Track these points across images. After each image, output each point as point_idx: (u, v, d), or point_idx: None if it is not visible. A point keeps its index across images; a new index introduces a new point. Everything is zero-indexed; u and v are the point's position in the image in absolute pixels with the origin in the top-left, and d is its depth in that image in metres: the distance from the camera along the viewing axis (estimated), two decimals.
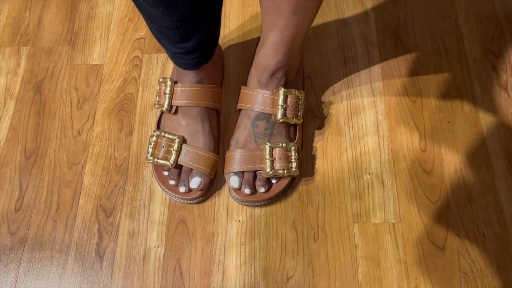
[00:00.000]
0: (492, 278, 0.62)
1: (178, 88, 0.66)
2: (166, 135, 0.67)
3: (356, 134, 0.73)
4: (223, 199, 0.69)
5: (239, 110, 0.70)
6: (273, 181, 0.66)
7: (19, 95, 0.80)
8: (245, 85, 0.69)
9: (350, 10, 0.83)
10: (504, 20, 0.80)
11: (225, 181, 0.69)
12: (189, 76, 0.65)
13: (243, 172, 0.66)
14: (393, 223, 0.66)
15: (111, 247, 0.67)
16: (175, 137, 0.66)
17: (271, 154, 0.64)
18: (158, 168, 0.69)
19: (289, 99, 0.65)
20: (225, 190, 0.70)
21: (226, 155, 0.67)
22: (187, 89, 0.65)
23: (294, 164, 0.65)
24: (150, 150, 0.67)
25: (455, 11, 0.81)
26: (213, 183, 0.70)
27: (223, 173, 0.68)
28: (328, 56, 0.79)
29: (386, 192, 0.68)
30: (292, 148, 0.65)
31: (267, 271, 0.64)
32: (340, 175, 0.70)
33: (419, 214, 0.66)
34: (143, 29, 0.84)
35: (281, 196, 0.68)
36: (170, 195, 0.68)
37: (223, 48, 0.81)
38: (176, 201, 0.69)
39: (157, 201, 0.70)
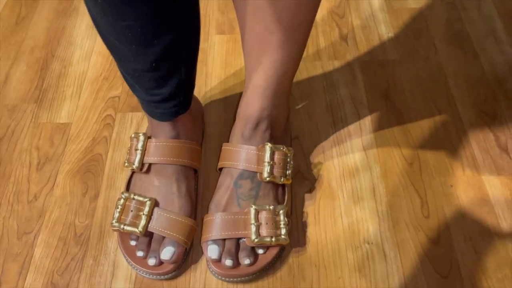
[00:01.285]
0: None
1: (152, 143, 0.59)
2: (136, 197, 0.58)
3: (350, 199, 0.65)
4: (199, 274, 0.59)
5: (220, 169, 0.62)
6: (259, 251, 0.57)
7: None
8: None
9: (337, 72, 0.80)
10: (495, 83, 0.78)
11: (202, 252, 0.59)
12: (165, 130, 0.58)
13: (224, 240, 0.56)
14: None
15: None
16: (146, 199, 0.57)
17: (256, 219, 0.55)
18: (124, 236, 0.59)
19: (276, 156, 0.58)
20: (202, 263, 0.59)
21: (204, 220, 0.58)
22: (162, 145, 0.58)
23: (283, 231, 0.56)
24: (117, 214, 0.58)
25: (444, 75, 0.79)
26: (189, 255, 0.60)
27: (200, 241, 0.58)
28: (316, 116, 0.74)
29: (389, 265, 0.59)
30: (281, 211, 0.57)
31: None
32: (335, 245, 0.61)
33: None
34: (118, 88, 0.79)
35: (268, 270, 0.58)
36: (137, 269, 0.57)
37: (204, 105, 0.75)
38: (144, 276, 0.58)
39: (121, 277, 0.59)
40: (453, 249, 0.60)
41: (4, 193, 0.67)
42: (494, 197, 0.64)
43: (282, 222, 0.56)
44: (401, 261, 0.59)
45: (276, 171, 0.57)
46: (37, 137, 0.73)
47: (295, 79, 0.78)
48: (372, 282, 0.58)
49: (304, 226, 0.63)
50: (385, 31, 0.86)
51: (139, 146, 0.59)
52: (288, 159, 0.59)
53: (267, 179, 0.57)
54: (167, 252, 0.56)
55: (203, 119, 0.71)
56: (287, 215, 0.58)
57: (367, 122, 0.73)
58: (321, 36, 0.86)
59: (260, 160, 0.57)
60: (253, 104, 0.57)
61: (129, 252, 0.58)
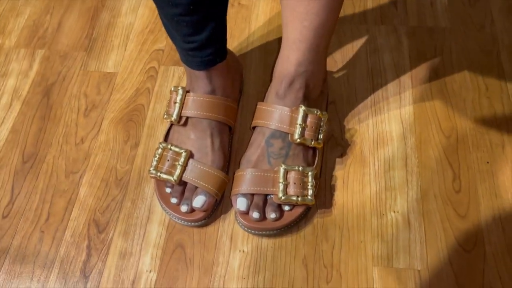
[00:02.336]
0: None
1: (190, 97, 0.61)
2: (173, 148, 0.61)
3: (381, 167, 0.65)
4: (227, 225, 0.62)
5: (254, 128, 0.64)
6: (286, 208, 0.59)
7: (27, 97, 0.76)
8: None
9: (382, 37, 0.78)
10: None
11: (232, 205, 0.62)
12: (202, 84, 0.60)
13: (252, 194, 0.59)
14: (418, 270, 0.57)
15: (98, 267, 0.60)
16: (182, 151, 0.60)
17: (285, 178, 0.57)
18: (160, 183, 0.63)
19: (309, 119, 0.59)
20: (231, 216, 0.63)
21: (235, 174, 0.61)
22: (199, 99, 0.60)
23: (310, 192, 0.58)
24: (154, 163, 0.61)
25: (497, 47, 0.75)
26: (219, 206, 0.63)
27: (230, 194, 0.61)
28: (355, 82, 0.74)
29: (413, 234, 0.60)
30: (310, 173, 0.58)
31: None
32: (361, 210, 0.62)
33: (449, 263, 0.57)
34: (163, 41, 0.81)
35: (292, 227, 0.61)
36: (170, 214, 0.62)
37: (244, 63, 0.76)
38: (176, 222, 0.62)
39: (156, 221, 0.63)
40: (480, 225, 0.60)
41: (54, 134, 0.72)
42: None
43: (310, 184, 0.58)
44: (425, 231, 0.60)
45: (308, 134, 0.58)
46: (85, 84, 0.77)
47: (337, 43, 0.77)
48: (393, 248, 0.59)
49: (332, 189, 0.64)
50: None
51: (178, 99, 0.61)
52: (322, 123, 0.60)
53: (298, 140, 0.58)
54: (199, 201, 0.59)
55: (241, 78, 0.72)
56: (315, 177, 0.59)
57: (408, 91, 0.72)
58: None
59: (292, 122, 0.58)
60: (288, 60, 0.57)
61: (164, 198, 0.62)
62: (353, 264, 0.58)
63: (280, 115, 0.59)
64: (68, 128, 0.72)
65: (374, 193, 0.63)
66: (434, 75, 0.73)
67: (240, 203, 0.58)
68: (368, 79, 0.74)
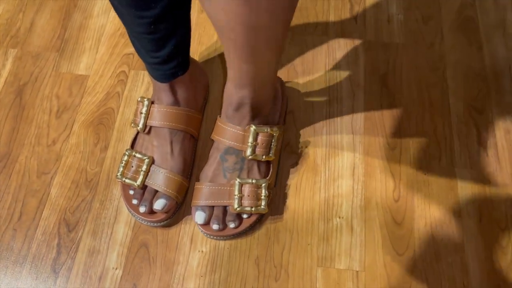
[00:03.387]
0: None
1: (155, 108, 0.66)
2: (137, 154, 0.66)
3: (331, 175, 0.72)
4: (188, 227, 0.68)
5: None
6: (244, 216, 0.65)
7: (0, 96, 0.79)
8: None
9: (341, 50, 0.84)
10: (492, 78, 0.80)
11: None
12: (165, 95, 0.65)
13: (212, 206, 0.65)
14: (357, 271, 0.65)
15: (68, 264, 0.65)
16: (145, 158, 0.66)
17: (240, 190, 0.63)
18: (125, 186, 0.68)
19: (260, 137, 0.64)
20: (192, 218, 0.68)
21: (195, 186, 0.66)
22: (162, 110, 0.65)
23: (263, 202, 0.64)
24: (121, 169, 0.66)
25: (444, 64, 0.82)
26: (181, 208, 0.69)
27: (191, 205, 0.67)
28: (313, 94, 0.79)
29: (354, 238, 0.67)
30: (263, 185, 0.64)
31: None
32: (310, 215, 0.69)
33: (384, 265, 0.65)
34: None
35: (248, 230, 0.67)
36: (134, 215, 0.67)
37: (211, 70, 0.81)
38: (141, 223, 0.68)
39: (122, 221, 0.68)
40: (413, 232, 0.67)
41: (27, 135, 0.75)
42: (462, 190, 0.70)
43: (263, 195, 0.64)
44: (365, 236, 0.67)
45: (259, 151, 0.64)
46: (57, 86, 0.80)
47: (299, 53, 0.83)
48: (336, 251, 0.66)
49: (285, 195, 0.70)
50: (395, 11, 0.88)
51: (144, 110, 0.66)
52: (273, 139, 0.65)
53: (250, 157, 0.64)
54: (160, 203, 0.65)
55: (206, 86, 0.77)
56: (269, 187, 0.65)
57: (360, 104, 0.78)
58: (332, 11, 0.88)
59: (244, 140, 0.63)
60: (231, 92, 0.61)
61: (128, 200, 0.67)
62: (299, 265, 0.65)
63: (233, 133, 0.64)
64: (40, 129, 0.76)
65: (323, 199, 0.70)
66: (386, 89, 0.80)
67: (198, 217, 0.64)
68: (325, 91, 0.80)
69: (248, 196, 0.63)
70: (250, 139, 0.63)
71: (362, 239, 0.67)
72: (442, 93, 0.79)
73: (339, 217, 0.69)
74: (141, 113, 0.66)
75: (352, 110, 0.78)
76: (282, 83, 0.74)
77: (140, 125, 0.66)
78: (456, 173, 0.72)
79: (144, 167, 0.65)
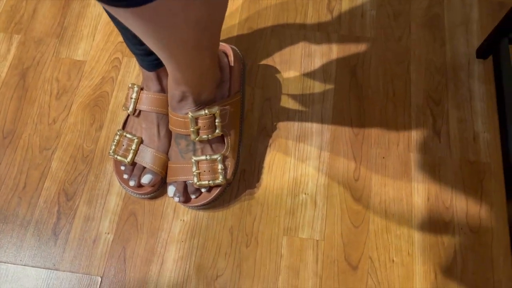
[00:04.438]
0: None
1: (143, 94, 0.74)
2: (128, 135, 0.75)
3: (300, 157, 0.81)
4: (172, 199, 0.77)
5: None
6: (202, 190, 0.74)
7: (5, 79, 0.87)
8: None
9: (316, 42, 0.92)
10: (451, 72, 0.89)
11: None
12: (153, 83, 0.73)
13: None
14: (317, 240, 0.74)
15: (66, 228, 0.75)
16: (135, 138, 0.75)
17: (197, 167, 0.72)
18: (117, 163, 0.77)
19: (199, 120, 0.69)
20: None
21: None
22: (150, 96, 0.74)
23: (221, 176, 0.72)
24: (113, 147, 0.75)
25: (409, 58, 0.90)
26: (165, 183, 0.78)
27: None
28: (289, 83, 0.88)
29: (317, 212, 0.77)
30: (218, 159, 0.72)
31: (200, 267, 0.73)
32: (279, 191, 0.78)
33: (341, 235, 0.75)
34: None
35: (224, 203, 0.77)
36: (125, 188, 0.76)
37: None
38: (130, 194, 0.77)
39: (114, 193, 0.78)
40: (369, 207, 0.77)
41: (30, 114, 0.84)
42: (415, 172, 0.80)
43: (219, 168, 0.72)
44: (326, 210, 0.77)
45: (202, 132, 0.70)
46: (57, 70, 0.88)
47: (278, 45, 0.91)
48: (300, 223, 0.76)
49: (259, 173, 0.80)
50: (369, 7, 0.95)
51: (133, 95, 0.74)
52: (216, 117, 0.70)
53: (196, 139, 0.71)
54: (147, 178, 0.74)
55: None
56: (227, 159, 0.72)
57: (330, 93, 0.87)
58: (310, 6, 0.95)
59: (187, 126, 0.70)
60: (173, 87, 0.66)
61: (119, 175, 0.76)
62: (268, 234, 0.75)
63: (176, 121, 0.70)
64: (42, 109, 0.85)
65: (291, 178, 0.79)
66: (354, 80, 0.88)
67: (169, 191, 0.74)
68: (299, 81, 0.88)
69: (204, 171, 0.71)
70: (191, 126, 0.69)
71: (324, 213, 0.76)
72: (405, 84, 0.87)
73: (305, 194, 0.78)
74: (131, 98, 0.75)
75: (323, 99, 0.86)
76: (230, 53, 0.78)
77: (130, 109, 0.75)
78: (411, 157, 0.81)
79: (133, 146, 0.74)
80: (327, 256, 0.73)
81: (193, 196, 0.74)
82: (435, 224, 0.76)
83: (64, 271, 0.72)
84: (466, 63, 0.89)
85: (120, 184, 0.77)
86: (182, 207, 0.77)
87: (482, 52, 0.89)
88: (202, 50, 0.57)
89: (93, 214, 0.76)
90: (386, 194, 0.78)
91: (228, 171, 0.73)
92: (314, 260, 0.73)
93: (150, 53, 0.69)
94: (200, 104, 0.69)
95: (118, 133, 0.76)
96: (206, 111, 0.69)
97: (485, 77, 0.88)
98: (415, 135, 0.83)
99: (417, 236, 0.75)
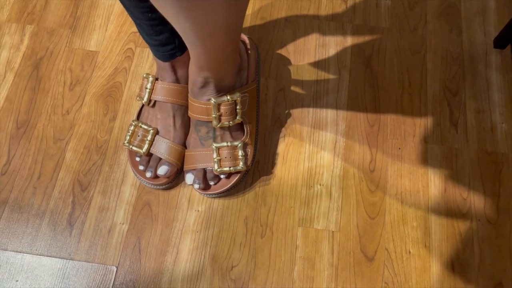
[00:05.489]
0: None
1: (158, 85, 0.74)
2: (143, 125, 0.75)
3: (315, 148, 0.80)
4: (187, 189, 0.77)
5: None
6: (222, 176, 0.74)
7: (19, 69, 0.87)
8: None
9: (331, 32, 0.91)
10: (468, 62, 0.87)
11: None
12: (168, 74, 0.73)
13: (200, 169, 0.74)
14: (332, 231, 0.74)
15: (81, 218, 0.75)
16: (150, 129, 0.74)
17: (218, 154, 0.72)
18: (132, 153, 0.77)
19: (222, 107, 0.69)
20: None
21: (185, 153, 0.75)
22: (165, 87, 0.73)
23: (241, 162, 0.72)
24: (128, 137, 0.75)
25: (425, 48, 0.89)
26: (180, 173, 0.78)
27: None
28: (303, 72, 0.87)
29: (332, 203, 0.76)
30: (238, 146, 0.72)
31: (215, 258, 0.72)
32: (294, 182, 0.78)
33: (357, 227, 0.74)
34: None
35: (238, 192, 0.76)
36: (140, 179, 0.76)
37: None
38: (145, 185, 0.77)
39: (129, 183, 0.78)
40: (385, 199, 0.76)
41: (43, 105, 0.84)
42: (431, 163, 0.79)
43: (240, 155, 0.72)
44: (342, 201, 0.76)
45: (224, 119, 0.70)
46: (70, 61, 0.88)
47: (292, 34, 0.90)
48: (315, 213, 0.75)
49: (273, 164, 0.79)
50: None
51: (148, 86, 0.74)
52: (237, 104, 0.70)
53: (218, 126, 0.71)
54: (163, 169, 0.74)
55: None
56: (247, 146, 0.73)
57: (345, 83, 0.86)
58: None
59: (209, 112, 0.70)
60: (195, 73, 0.66)
61: (135, 166, 0.76)
62: (283, 224, 0.75)
63: (198, 108, 0.70)
64: (56, 100, 0.85)
65: (306, 169, 0.79)
66: (369, 70, 0.87)
67: (188, 178, 0.73)
68: (314, 71, 0.87)
69: (225, 157, 0.71)
70: (214, 111, 0.69)
71: (339, 204, 0.76)
72: (421, 75, 0.86)
73: (320, 185, 0.77)
74: (146, 88, 0.74)
75: (338, 89, 0.85)
76: (247, 41, 0.78)
77: (145, 99, 0.74)
78: (428, 148, 0.80)
79: (149, 137, 0.74)
80: (343, 247, 0.73)
81: (212, 183, 0.73)
82: (452, 215, 0.75)
83: (79, 260, 0.72)
84: (483, 53, 0.88)
85: (135, 174, 0.77)
86: (196, 197, 0.77)
87: (499, 42, 0.87)
88: (230, 31, 0.57)
89: (108, 204, 0.76)
90: (402, 186, 0.77)
91: (248, 158, 0.73)
92: (329, 251, 0.73)
93: (165, 43, 0.69)
94: (221, 90, 0.69)
95: (133, 123, 0.75)
96: (228, 97, 0.69)
97: (502, 67, 0.86)
98: (432, 126, 0.82)
99: (434, 228, 0.74)
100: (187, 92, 0.75)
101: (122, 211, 0.76)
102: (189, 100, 0.72)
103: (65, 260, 0.72)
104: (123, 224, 0.75)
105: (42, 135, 0.82)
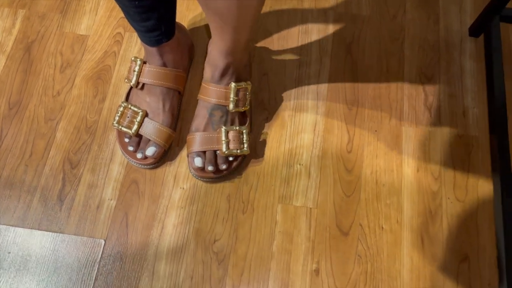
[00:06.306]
0: (381, 263, 0.74)
1: (146, 68, 0.77)
2: (132, 107, 0.78)
3: (295, 129, 0.84)
4: (172, 168, 0.81)
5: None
6: (230, 158, 0.77)
7: (11, 52, 0.90)
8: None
9: (314, 19, 0.94)
10: (444, 49, 0.91)
11: (177, 154, 0.81)
12: (155, 58, 0.76)
13: (204, 152, 0.77)
14: (310, 208, 0.78)
15: (71, 194, 0.79)
16: (140, 111, 0.77)
17: (226, 136, 0.75)
18: (121, 134, 0.80)
19: (240, 92, 0.76)
20: (176, 162, 0.81)
21: (187, 137, 0.78)
22: (152, 70, 0.76)
23: (245, 145, 0.77)
24: (117, 118, 0.78)
25: (403, 35, 0.92)
26: (167, 154, 0.81)
27: (187, 154, 0.78)
28: (286, 58, 0.90)
29: (311, 181, 0.80)
30: (244, 131, 0.77)
31: (198, 232, 0.76)
32: (275, 161, 0.82)
33: (333, 204, 0.78)
34: None
35: (234, 171, 0.80)
36: (128, 159, 0.80)
37: (196, 35, 0.91)
38: (132, 164, 0.80)
39: (117, 162, 0.81)
40: (360, 178, 0.80)
41: (35, 86, 0.87)
42: (405, 144, 0.83)
43: (244, 139, 0.77)
44: (320, 180, 0.80)
45: (240, 103, 0.76)
46: (61, 44, 0.91)
47: (275, 22, 0.93)
48: (294, 191, 0.79)
49: (256, 145, 0.83)
50: None
51: (136, 69, 0.77)
52: (247, 92, 0.77)
53: (233, 110, 0.76)
54: (151, 150, 0.77)
55: (191, 49, 0.87)
56: (247, 133, 0.77)
57: (326, 69, 0.89)
58: None
59: (227, 97, 0.75)
60: (219, 59, 0.73)
61: (123, 146, 0.80)
62: (263, 201, 0.79)
63: (217, 92, 0.75)
64: (47, 81, 0.88)
65: (287, 149, 0.83)
66: (350, 56, 0.91)
67: (196, 161, 0.76)
68: (296, 56, 0.90)
69: (233, 140, 0.76)
70: (232, 95, 0.75)
71: (317, 183, 0.80)
72: (399, 61, 0.90)
73: (300, 164, 0.81)
74: (134, 71, 0.78)
75: (319, 74, 0.89)
76: None
77: (133, 81, 0.78)
78: (403, 130, 0.84)
79: (138, 118, 0.77)
80: (320, 223, 0.77)
81: (223, 167, 0.76)
82: (423, 193, 0.79)
83: (69, 234, 0.76)
84: (458, 41, 0.92)
85: (124, 154, 0.80)
86: (182, 175, 0.80)
87: (474, 31, 0.91)
88: (257, 17, 0.64)
89: (97, 181, 0.80)
90: (377, 165, 0.81)
91: (249, 142, 0.78)
92: (307, 226, 0.77)
93: (151, 30, 0.72)
94: (237, 79, 0.76)
95: (123, 105, 0.79)
96: (244, 84, 0.76)
97: (476, 55, 0.90)
98: (407, 110, 0.86)
99: (405, 205, 0.78)
100: (175, 76, 0.79)
101: (110, 188, 0.79)
102: (205, 86, 0.76)
103: (55, 233, 0.76)
104: (111, 200, 0.78)
105: (34, 115, 0.85)
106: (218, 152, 0.77)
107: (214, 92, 0.76)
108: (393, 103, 0.86)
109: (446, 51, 0.91)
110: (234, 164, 0.78)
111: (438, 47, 0.91)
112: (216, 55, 0.73)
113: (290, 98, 0.87)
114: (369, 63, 0.90)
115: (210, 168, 0.76)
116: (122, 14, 0.94)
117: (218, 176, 0.78)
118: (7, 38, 0.91)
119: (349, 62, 0.90)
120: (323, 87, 0.88)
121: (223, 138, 0.75)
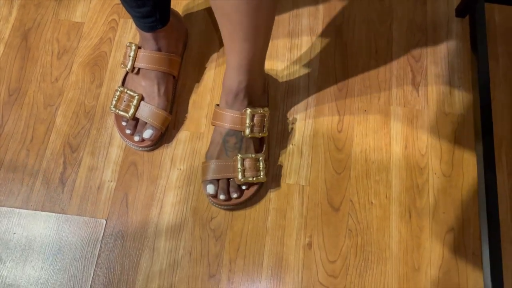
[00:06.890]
0: (370, 236, 0.78)
1: (141, 53, 0.79)
2: (128, 91, 0.81)
3: (287, 111, 0.87)
4: (170, 150, 0.84)
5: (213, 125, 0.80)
6: (243, 187, 0.77)
7: (8, 40, 0.92)
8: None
9: (304, 4, 0.96)
10: (431, 30, 0.94)
11: (173, 136, 0.84)
12: (150, 43, 0.78)
13: (218, 180, 0.76)
14: (302, 185, 0.81)
15: (72, 177, 0.82)
16: (136, 95, 0.80)
17: (242, 164, 0.75)
18: (118, 118, 0.83)
19: (255, 118, 0.75)
20: (173, 143, 0.84)
21: (202, 165, 0.78)
22: (147, 55, 0.79)
23: (262, 173, 0.76)
24: (114, 102, 0.81)
25: (391, 17, 0.95)
26: (163, 137, 0.84)
27: (202, 181, 0.78)
28: (278, 41, 0.93)
29: (303, 160, 0.83)
30: (260, 158, 0.76)
31: (196, 210, 0.80)
32: (268, 142, 0.84)
33: (324, 181, 0.82)
34: None
35: (249, 200, 0.82)
36: (126, 141, 0.82)
37: (189, 21, 0.94)
38: (130, 146, 0.83)
39: (115, 145, 0.84)
40: (350, 156, 0.83)
41: (33, 73, 0.89)
42: (394, 123, 0.86)
43: (261, 166, 0.76)
44: (311, 159, 0.83)
45: (256, 129, 0.76)
46: (57, 31, 0.93)
47: None
48: (287, 169, 0.82)
49: None
50: None
51: (131, 54, 0.79)
52: (265, 118, 0.77)
53: (249, 136, 0.76)
54: (148, 133, 0.80)
55: (185, 34, 0.90)
56: (265, 160, 0.78)
57: (316, 50, 0.92)
58: None
59: (242, 122, 0.75)
60: (231, 79, 0.72)
61: (121, 129, 0.82)
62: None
63: (232, 117, 0.75)
64: (45, 68, 0.90)
65: (280, 131, 0.86)
66: (339, 39, 0.93)
67: (209, 189, 0.75)
68: (287, 39, 0.93)
69: (249, 168, 0.75)
70: (248, 121, 0.75)
71: (309, 162, 0.83)
72: (387, 42, 0.93)
73: (292, 144, 0.84)
74: (129, 56, 0.80)
75: (309, 56, 0.91)
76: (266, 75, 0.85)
77: (129, 66, 0.80)
78: (391, 110, 0.87)
79: (135, 102, 0.80)
80: (312, 200, 0.80)
81: (234, 195, 0.75)
82: (411, 169, 0.82)
83: (71, 214, 0.79)
84: (445, 22, 0.94)
85: (122, 137, 0.83)
86: (179, 156, 0.83)
87: (460, 11, 0.93)
88: (270, 23, 0.66)
89: (97, 164, 0.83)
90: (367, 144, 0.84)
91: (267, 169, 0.78)
92: (299, 203, 0.80)
93: (146, 16, 0.74)
94: (249, 104, 0.75)
95: (119, 89, 0.81)
96: (261, 110, 0.76)
97: (462, 35, 0.93)
98: (395, 90, 0.89)
99: (394, 181, 0.82)
100: (169, 60, 0.81)
101: (110, 170, 0.82)
102: (219, 112, 0.76)
103: (58, 214, 0.79)
104: (111, 181, 0.81)
105: (33, 101, 0.87)
106: (232, 179, 0.76)
107: (228, 117, 0.75)
108: (381, 84, 0.89)
109: (433, 32, 0.93)
110: (248, 193, 0.77)
111: (426, 28, 0.94)
112: (228, 75, 0.72)
113: (282, 79, 0.89)
114: (358, 44, 0.92)
115: (222, 197, 0.75)
116: (116, 1, 0.96)
117: (235, 203, 0.77)
118: (4, 26, 0.93)
119: (339, 44, 0.92)
120: (314, 69, 0.90)
121: (239, 165, 0.75)
